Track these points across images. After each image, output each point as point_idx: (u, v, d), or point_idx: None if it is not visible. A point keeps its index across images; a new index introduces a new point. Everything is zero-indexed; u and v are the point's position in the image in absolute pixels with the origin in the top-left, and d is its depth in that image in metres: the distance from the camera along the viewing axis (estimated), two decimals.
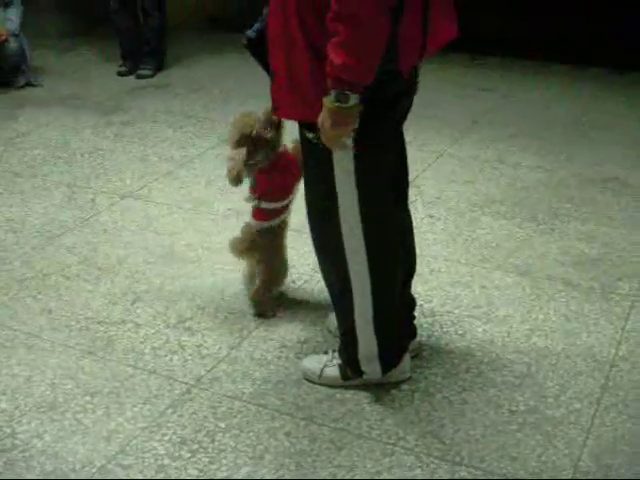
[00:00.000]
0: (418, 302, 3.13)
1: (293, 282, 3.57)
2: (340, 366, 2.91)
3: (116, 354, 3.13)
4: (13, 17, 6.05)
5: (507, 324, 3.29)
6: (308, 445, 2.68)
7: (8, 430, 2.76)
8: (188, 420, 2.79)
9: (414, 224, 3.04)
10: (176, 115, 5.62)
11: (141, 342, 3.20)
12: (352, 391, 2.91)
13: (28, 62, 6.23)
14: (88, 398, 2.90)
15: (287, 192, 3.27)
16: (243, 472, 2.57)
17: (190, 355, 3.13)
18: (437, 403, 2.86)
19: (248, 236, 3.32)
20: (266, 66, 2.55)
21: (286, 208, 3.31)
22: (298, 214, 4.07)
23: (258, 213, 3.32)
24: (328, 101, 2.33)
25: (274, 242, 3.32)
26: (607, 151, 4.89)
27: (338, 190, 2.57)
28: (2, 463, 2.62)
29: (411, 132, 2.87)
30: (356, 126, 2.40)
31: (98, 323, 3.32)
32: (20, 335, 3.25)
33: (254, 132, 3.11)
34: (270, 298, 3.37)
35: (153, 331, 3.27)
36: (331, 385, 2.92)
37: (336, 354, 2.94)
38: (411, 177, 2.98)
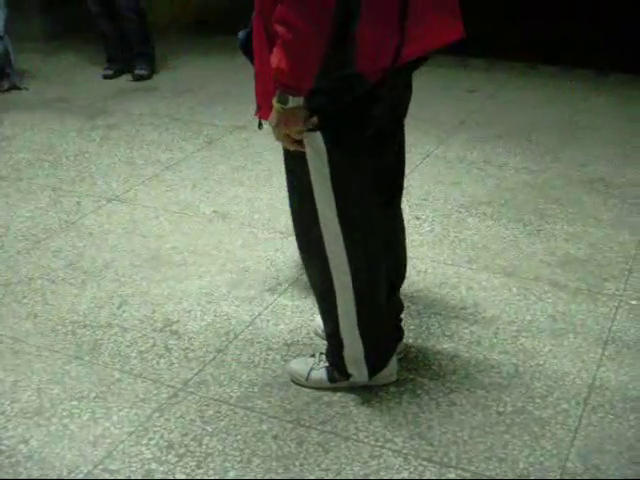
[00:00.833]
0: (405, 304, 3.13)
1: (280, 284, 3.57)
2: (327, 369, 2.91)
3: (102, 358, 3.12)
4: None
5: (494, 325, 3.29)
6: (296, 448, 2.67)
7: None
8: (175, 424, 2.78)
9: None
10: (162, 118, 5.61)
11: (128, 346, 3.19)
12: (339, 393, 2.90)
13: (13, 65, 6.21)
14: (74, 403, 2.89)
15: None
16: (230, 476, 2.56)
17: (177, 358, 3.12)
18: (424, 405, 2.85)
19: None
20: None
21: None
22: (283, 217, 4.09)
23: None
24: (273, 100, 2.37)
25: None
26: (593, 152, 4.91)
27: (316, 195, 2.56)
28: None
29: None
30: (304, 128, 2.40)
31: (84, 327, 3.31)
32: (6, 340, 3.24)
33: None
34: None
35: (140, 335, 3.26)
36: (318, 388, 2.91)
37: (323, 357, 2.93)
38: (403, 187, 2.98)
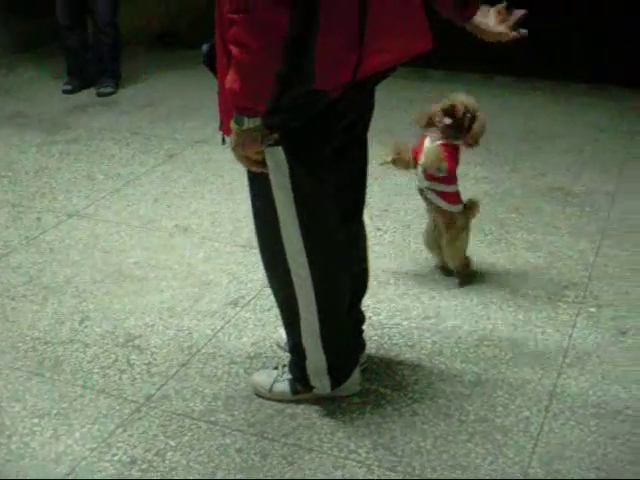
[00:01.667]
0: (367, 315, 3.14)
1: (242, 297, 3.57)
2: (290, 381, 2.91)
3: (64, 374, 3.10)
4: None
5: (456, 334, 3.31)
6: (259, 461, 2.67)
7: None
8: (138, 439, 2.77)
9: None
10: (122, 132, 5.59)
11: (89, 362, 3.17)
12: (302, 405, 2.90)
13: None
14: (36, 420, 2.86)
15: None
16: None
17: (139, 373, 3.10)
18: (387, 415, 2.86)
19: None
20: None
21: None
22: (245, 230, 4.09)
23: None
24: (230, 122, 2.37)
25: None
26: (552, 161, 4.96)
27: (278, 207, 2.57)
28: None
29: None
30: (261, 149, 2.42)
31: (45, 343, 3.28)
32: None
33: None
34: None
35: (102, 350, 3.24)
36: (281, 400, 2.92)
37: (286, 369, 2.94)
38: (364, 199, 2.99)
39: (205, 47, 2.55)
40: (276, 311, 2.95)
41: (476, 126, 3.49)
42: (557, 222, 4.22)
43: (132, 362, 3.17)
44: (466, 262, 3.70)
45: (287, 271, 2.67)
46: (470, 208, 3.68)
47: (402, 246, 4.00)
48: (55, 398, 2.97)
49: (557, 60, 6.19)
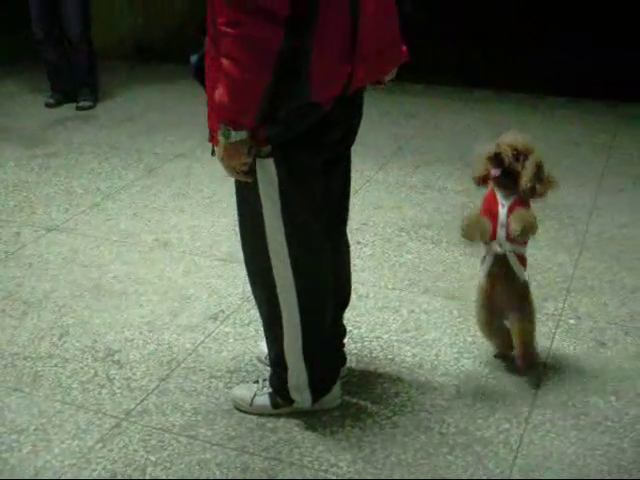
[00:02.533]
0: (347, 328, 3.14)
1: (222, 311, 3.56)
2: (270, 395, 2.90)
3: (43, 390, 3.08)
4: None
5: (436, 347, 3.32)
6: (240, 475, 2.66)
7: None
8: (118, 454, 2.76)
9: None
10: (102, 147, 5.58)
11: (69, 377, 3.16)
12: (283, 419, 2.90)
13: None
14: (14, 436, 2.85)
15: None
16: None
17: (119, 388, 3.09)
18: (368, 428, 2.86)
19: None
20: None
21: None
22: (226, 244, 4.09)
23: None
24: (218, 134, 2.38)
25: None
26: None
27: (265, 217, 2.58)
28: None
29: None
30: (248, 160, 2.42)
31: (24, 359, 3.26)
32: None
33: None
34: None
35: (81, 365, 3.23)
36: (262, 414, 2.91)
37: (266, 382, 2.93)
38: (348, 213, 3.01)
39: (193, 58, 2.54)
40: (256, 325, 2.95)
41: (526, 172, 2.93)
42: (536, 235, 4.21)
43: (112, 377, 3.16)
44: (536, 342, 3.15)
45: (272, 283, 2.67)
46: None
47: (381, 259, 4.00)
48: (34, 414, 2.95)
49: (536, 73, 6.24)
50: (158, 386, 3.10)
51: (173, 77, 6.70)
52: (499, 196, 2.98)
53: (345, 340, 3.09)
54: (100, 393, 3.06)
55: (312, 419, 2.90)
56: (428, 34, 6.31)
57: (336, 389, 2.92)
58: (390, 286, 3.77)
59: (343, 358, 3.08)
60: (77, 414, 2.95)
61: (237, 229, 2.77)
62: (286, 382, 2.83)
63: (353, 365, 3.18)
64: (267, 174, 2.51)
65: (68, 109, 6.35)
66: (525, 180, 2.92)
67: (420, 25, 5.71)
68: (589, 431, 2.84)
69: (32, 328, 3.47)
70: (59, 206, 4.65)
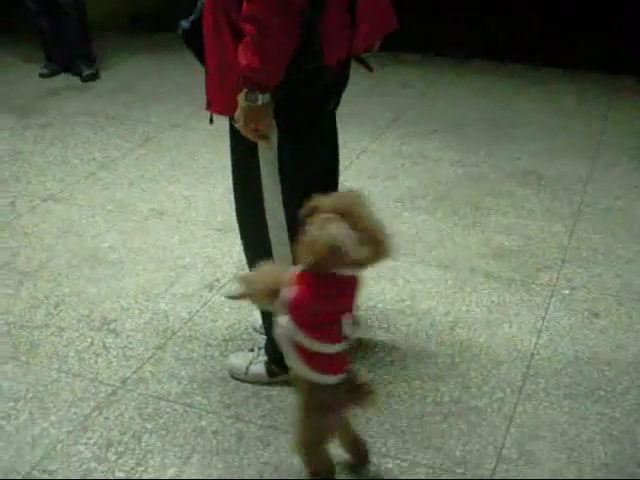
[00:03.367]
0: None
1: (217, 281, 3.57)
2: (266, 363, 2.92)
3: (40, 358, 3.09)
4: None
5: (430, 317, 3.33)
6: (235, 443, 2.68)
7: None
8: (114, 422, 2.77)
9: None
10: (97, 116, 5.56)
11: (65, 345, 3.17)
12: (278, 387, 2.91)
13: None
14: (11, 404, 2.86)
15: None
16: (170, 473, 2.56)
17: (115, 357, 3.10)
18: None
19: None
20: (201, 58, 2.53)
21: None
22: (221, 213, 4.09)
23: None
24: (240, 99, 2.36)
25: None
26: (525, 145, 4.98)
27: (262, 178, 2.59)
28: None
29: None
30: (272, 121, 2.43)
31: (20, 328, 3.27)
32: None
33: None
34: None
35: (77, 334, 3.24)
36: (257, 382, 2.93)
37: (262, 351, 2.95)
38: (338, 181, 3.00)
39: (185, 23, 2.52)
40: None
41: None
42: (531, 206, 4.24)
43: (108, 345, 3.17)
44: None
45: (267, 244, 2.68)
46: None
47: None
48: (30, 382, 2.96)
49: (533, 45, 6.22)
50: (154, 354, 3.11)
51: (167, 46, 6.66)
52: None
53: None
54: (96, 362, 3.07)
55: None
56: (423, 4, 6.28)
57: None
58: None
59: None
60: (73, 382, 2.96)
61: (232, 198, 2.77)
62: (281, 350, 2.84)
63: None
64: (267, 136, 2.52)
65: (62, 80, 6.32)
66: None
67: None
68: (582, 400, 2.86)
69: (28, 297, 3.48)
70: (54, 176, 4.64)
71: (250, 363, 2.94)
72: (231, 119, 2.57)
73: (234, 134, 2.61)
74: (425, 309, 3.38)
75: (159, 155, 4.92)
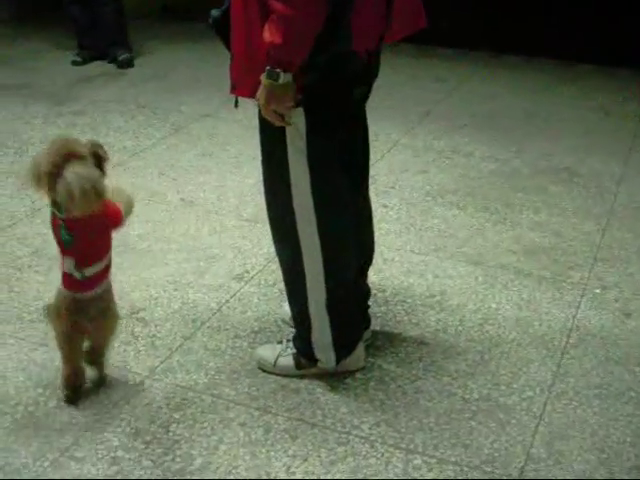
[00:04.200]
0: (372, 291, 3.14)
1: (247, 272, 3.57)
2: (294, 355, 2.91)
3: None
4: None
5: (460, 313, 3.31)
6: (263, 435, 2.68)
7: None
8: (142, 411, 2.78)
9: None
10: (128, 105, 5.57)
11: None
12: (306, 380, 2.91)
13: None
14: (40, 390, 2.87)
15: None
16: (197, 463, 2.56)
17: (143, 346, 3.11)
18: (391, 392, 2.87)
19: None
20: (229, 46, 2.54)
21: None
22: (251, 204, 4.08)
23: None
24: (263, 77, 2.38)
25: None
26: (558, 141, 4.95)
27: (291, 169, 2.59)
28: None
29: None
30: (292, 103, 2.43)
31: None
32: None
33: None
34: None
35: None
36: (285, 374, 2.92)
37: (290, 343, 2.94)
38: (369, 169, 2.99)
39: (215, 12, 2.54)
40: (281, 286, 2.95)
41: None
42: (563, 203, 4.21)
43: (136, 334, 3.17)
44: None
45: (295, 236, 2.68)
46: None
47: (408, 223, 3.99)
48: (59, 369, 2.97)
49: (565, 40, 6.17)
50: (182, 344, 3.11)
51: (199, 36, 6.66)
52: None
53: (370, 303, 3.09)
54: (125, 350, 3.08)
55: (335, 381, 2.90)
56: None
57: (360, 350, 2.93)
58: (416, 250, 3.76)
59: (368, 320, 3.08)
60: None
61: (262, 189, 2.77)
62: (310, 342, 2.84)
63: (377, 329, 3.18)
64: (296, 124, 2.52)
65: (95, 67, 6.34)
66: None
67: None
68: (612, 401, 2.83)
69: (58, 284, 3.48)
70: None
71: (278, 355, 2.93)
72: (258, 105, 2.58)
73: (263, 125, 2.61)
74: (455, 305, 3.36)
75: (190, 145, 4.92)
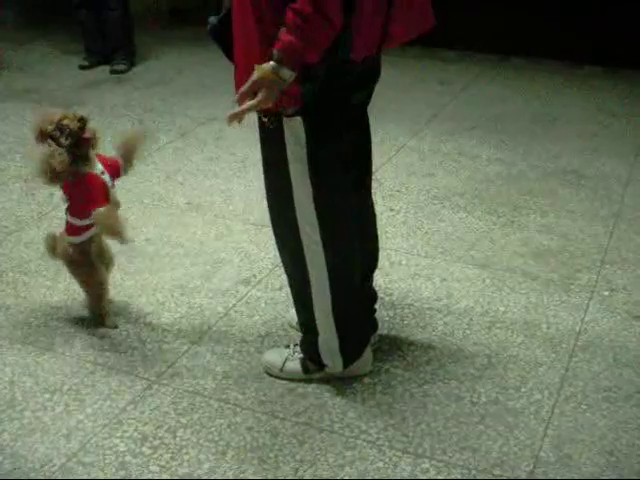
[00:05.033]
0: (379, 295, 3.13)
1: (254, 276, 3.56)
2: (301, 360, 2.91)
3: (76, 350, 3.10)
4: None
5: (468, 316, 3.30)
6: (270, 440, 2.67)
7: None
8: (149, 416, 2.77)
9: None
10: (135, 109, 5.58)
11: (101, 338, 3.17)
12: (314, 384, 2.90)
13: None
14: (47, 395, 2.87)
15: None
16: (205, 467, 2.56)
17: (150, 350, 3.10)
18: (399, 396, 2.86)
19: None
20: (228, 54, 2.53)
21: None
22: (258, 208, 4.08)
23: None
24: (265, 70, 2.30)
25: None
26: (565, 144, 4.94)
27: (292, 176, 2.58)
28: None
29: (371, 125, 2.87)
30: (274, 99, 2.36)
31: (57, 319, 3.28)
32: None
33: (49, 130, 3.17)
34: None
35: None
36: (293, 379, 2.92)
37: (297, 348, 2.93)
38: (372, 170, 2.99)
39: (213, 19, 2.53)
40: (288, 290, 2.95)
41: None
42: (571, 205, 4.20)
43: (143, 339, 3.17)
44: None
45: (299, 242, 2.67)
46: None
47: (414, 227, 3.98)
48: (66, 374, 2.97)
49: (572, 43, 6.15)
50: (189, 349, 3.11)
51: (206, 40, 6.61)
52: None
53: (376, 306, 3.09)
54: (132, 355, 3.08)
55: (343, 385, 2.90)
56: (463, 1, 6.23)
57: (367, 354, 2.92)
58: (423, 254, 3.75)
59: (375, 324, 3.08)
60: (109, 375, 2.97)
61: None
62: (317, 346, 2.84)
63: (384, 332, 3.17)
64: (296, 134, 2.51)
65: (102, 71, 6.34)
66: None
67: None
68: (621, 404, 2.82)
69: (65, 289, 3.49)
70: None
71: (286, 360, 2.93)
72: (260, 118, 2.56)
73: (263, 136, 2.61)
74: (462, 308, 3.35)
75: (196, 149, 4.93)
